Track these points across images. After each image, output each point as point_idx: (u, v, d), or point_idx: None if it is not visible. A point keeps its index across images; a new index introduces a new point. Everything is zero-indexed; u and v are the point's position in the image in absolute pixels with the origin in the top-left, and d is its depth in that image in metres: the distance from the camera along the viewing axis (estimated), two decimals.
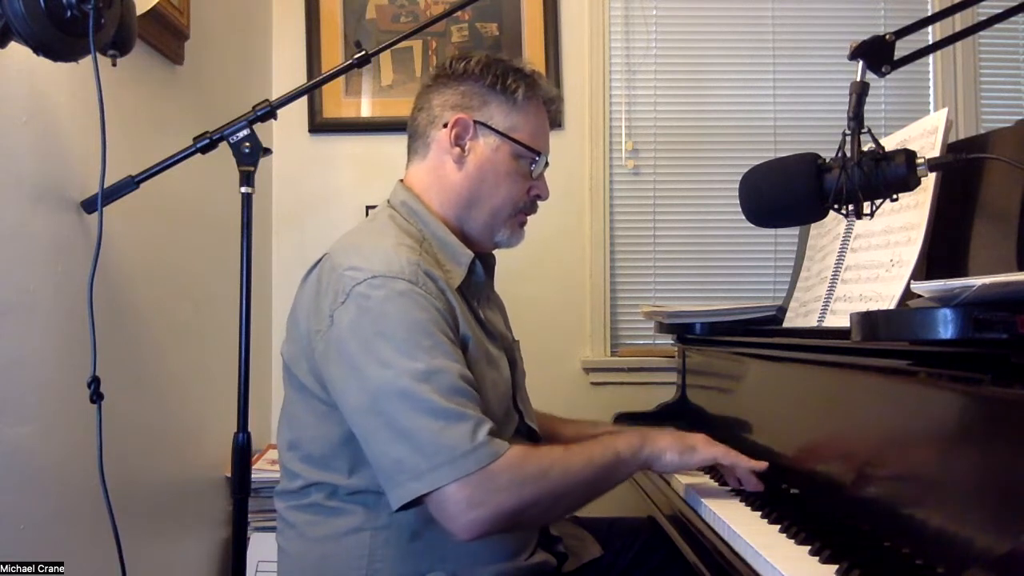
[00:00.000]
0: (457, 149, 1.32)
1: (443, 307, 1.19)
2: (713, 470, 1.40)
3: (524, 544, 1.29)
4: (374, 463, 1.15)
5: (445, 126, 1.32)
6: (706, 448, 1.26)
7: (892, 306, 1.13)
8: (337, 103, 2.56)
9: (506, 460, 1.10)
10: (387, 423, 1.11)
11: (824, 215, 1.03)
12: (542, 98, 1.38)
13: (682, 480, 1.37)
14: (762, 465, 1.26)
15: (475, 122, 1.32)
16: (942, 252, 1.17)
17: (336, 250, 1.26)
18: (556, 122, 2.45)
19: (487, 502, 1.08)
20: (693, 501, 1.28)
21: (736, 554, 1.04)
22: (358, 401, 1.14)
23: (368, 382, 1.13)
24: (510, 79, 1.33)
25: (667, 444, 1.24)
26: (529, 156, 1.35)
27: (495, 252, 1.45)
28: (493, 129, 1.32)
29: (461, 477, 1.07)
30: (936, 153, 1.17)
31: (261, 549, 2.02)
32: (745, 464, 1.26)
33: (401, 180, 1.39)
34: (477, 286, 1.35)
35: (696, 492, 1.29)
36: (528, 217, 1.41)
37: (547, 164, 1.38)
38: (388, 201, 1.37)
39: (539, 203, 1.42)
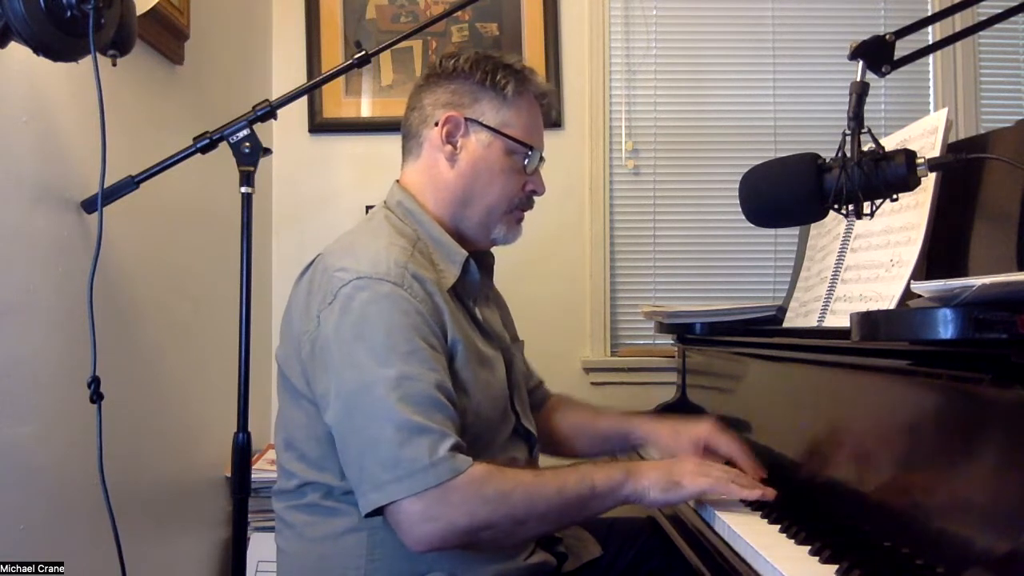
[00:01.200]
0: (449, 147, 1.32)
1: (429, 311, 1.18)
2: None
3: (524, 544, 1.29)
4: (344, 468, 1.16)
5: (436, 124, 1.32)
6: (692, 481, 1.17)
7: (892, 306, 1.13)
8: (337, 103, 2.56)
9: (465, 478, 1.09)
10: (355, 431, 1.12)
11: (824, 215, 1.03)
12: (533, 93, 1.37)
13: None
14: (755, 494, 1.15)
15: (466, 119, 1.32)
16: (942, 252, 1.17)
17: (329, 251, 1.27)
18: (555, 121, 2.49)
19: (439, 518, 1.08)
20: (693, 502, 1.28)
21: (736, 554, 1.04)
22: (333, 406, 1.15)
23: (342, 387, 1.14)
24: (499, 75, 1.33)
25: (651, 481, 1.17)
26: (522, 151, 1.34)
27: (494, 251, 1.45)
28: (484, 125, 1.32)
29: (416, 492, 1.07)
30: (936, 153, 1.17)
31: (261, 549, 2.02)
32: (737, 494, 1.16)
33: (397, 181, 1.39)
34: (472, 285, 1.34)
35: None
36: (525, 213, 1.41)
37: (542, 159, 1.38)
38: (384, 202, 1.37)
39: (537, 201, 1.41)
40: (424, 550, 1.11)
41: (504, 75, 1.33)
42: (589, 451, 1.60)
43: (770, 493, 1.15)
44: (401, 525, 1.10)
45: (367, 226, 1.35)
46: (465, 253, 1.31)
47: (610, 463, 1.30)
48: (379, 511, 1.11)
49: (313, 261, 1.28)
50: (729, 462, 1.34)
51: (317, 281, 1.21)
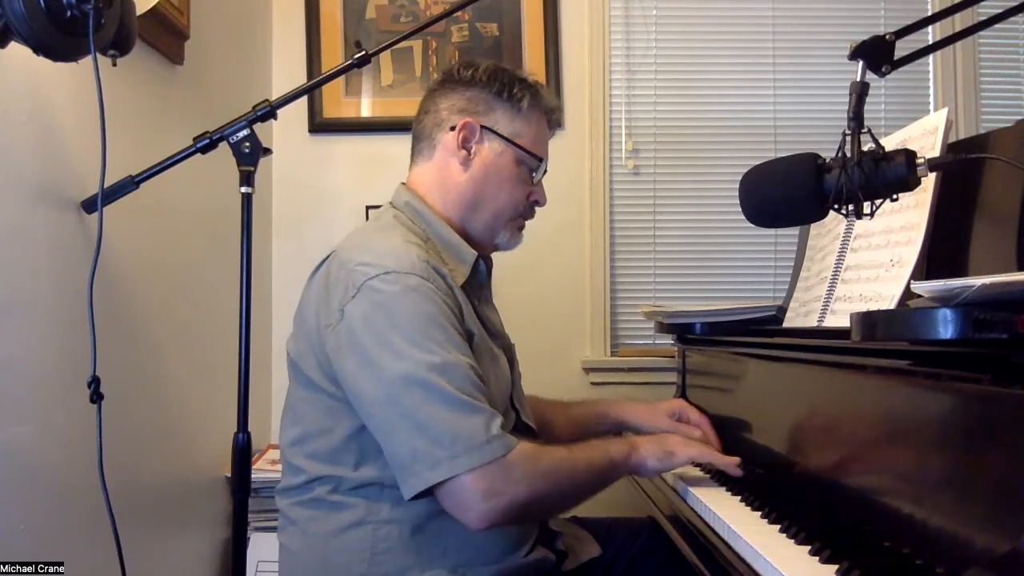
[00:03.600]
0: (463, 152, 1.36)
1: (452, 303, 1.22)
2: None
3: (524, 539, 1.30)
4: (389, 454, 1.16)
5: (452, 129, 1.35)
6: (683, 451, 1.32)
7: (892, 306, 1.13)
8: (337, 103, 2.56)
9: (520, 453, 1.14)
10: (403, 414, 1.13)
11: (824, 215, 1.03)
12: (544, 108, 1.42)
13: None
14: (734, 461, 1.32)
15: (482, 127, 1.35)
16: (942, 252, 1.17)
17: (344, 247, 1.28)
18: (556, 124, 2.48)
19: (502, 493, 1.12)
20: (693, 501, 1.29)
21: (736, 554, 1.04)
22: (374, 394, 1.15)
23: (384, 374, 1.14)
24: (516, 88, 1.37)
25: (649, 452, 1.30)
26: (531, 162, 1.39)
27: (492, 256, 1.47)
28: (498, 134, 1.36)
29: (478, 467, 1.10)
30: (936, 153, 1.17)
31: (261, 549, 2.02)
32: (719, 463, 1.34)
33: (403, 182, 1.41)
34: (479, 285, 1.38)
35: (685, 483, 1.35)
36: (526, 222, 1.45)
37: (545, 171, 1.42)
38: (391, 202, 1.39)
39: (537, 209, 1.45)
40: (486, 527, 1.14)
41: (520, 88, 1.38)
42: (564, 438, 1.61)
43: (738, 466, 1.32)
44: (462, 502, 1.12)
45: (377, 224, 1.37)
46: (475, 253, 1.35)
47: (613, 438, 1.38)
48: (424, 494, 1.13)
49: (327, 258, 1.30)
50: None
51: (335, 275, 1.23)
